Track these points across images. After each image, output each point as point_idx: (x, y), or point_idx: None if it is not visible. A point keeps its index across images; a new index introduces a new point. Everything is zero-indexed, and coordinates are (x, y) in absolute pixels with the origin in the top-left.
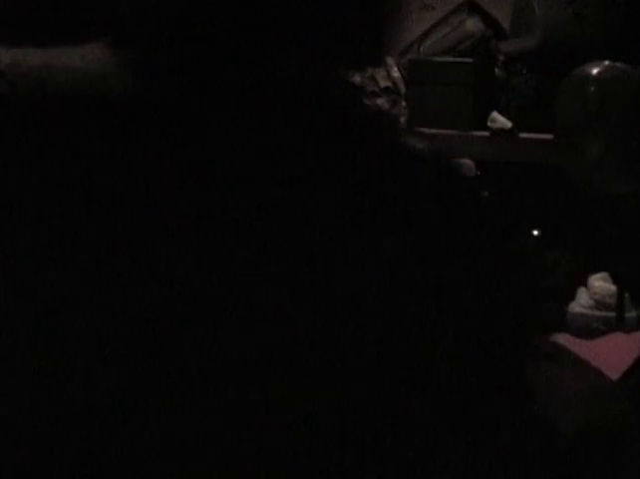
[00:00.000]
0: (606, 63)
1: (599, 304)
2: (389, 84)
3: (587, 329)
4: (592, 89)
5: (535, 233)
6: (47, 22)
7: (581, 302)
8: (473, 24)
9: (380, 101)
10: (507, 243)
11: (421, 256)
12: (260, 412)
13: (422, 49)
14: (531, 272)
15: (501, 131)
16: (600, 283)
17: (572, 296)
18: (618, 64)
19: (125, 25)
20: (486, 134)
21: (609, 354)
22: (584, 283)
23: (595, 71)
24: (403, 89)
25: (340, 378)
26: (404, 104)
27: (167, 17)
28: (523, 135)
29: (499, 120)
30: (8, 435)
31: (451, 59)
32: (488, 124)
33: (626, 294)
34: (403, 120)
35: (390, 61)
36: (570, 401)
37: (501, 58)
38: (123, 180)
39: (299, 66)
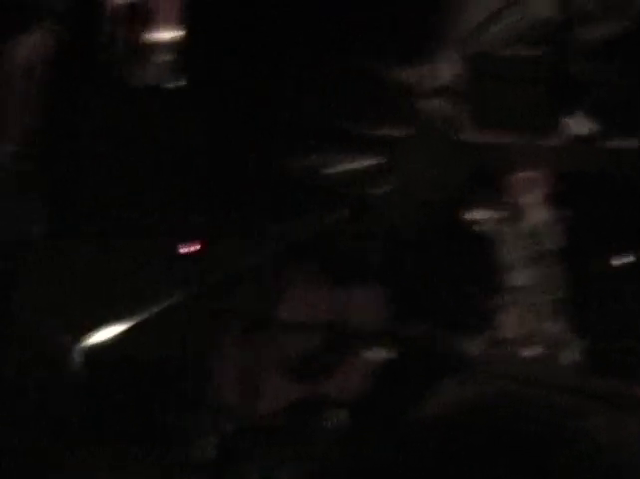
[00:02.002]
0: None
1: None
2: (446, 82)
3: None
4: None
5: (631, 259)
6: None
7: None
8: (547, 5)
9: (437, 101)
10: None
11: None
12: None
13: (485, 38)
14: (624, 306)
15: (581, 137)
16: None
17: None
18: None
19: None
20: (563, 141)
21: None
22: None
23: None
24: (462, 87)
25: None
26: (465, 105)
27: None
28: (610, 142)
29: (579, 125)
30: None
31: (520, 50)
32: (567, 129)
33: None
34: (463, 124)
35: (448, 54)
36: None
37: (584, 47)
38: None
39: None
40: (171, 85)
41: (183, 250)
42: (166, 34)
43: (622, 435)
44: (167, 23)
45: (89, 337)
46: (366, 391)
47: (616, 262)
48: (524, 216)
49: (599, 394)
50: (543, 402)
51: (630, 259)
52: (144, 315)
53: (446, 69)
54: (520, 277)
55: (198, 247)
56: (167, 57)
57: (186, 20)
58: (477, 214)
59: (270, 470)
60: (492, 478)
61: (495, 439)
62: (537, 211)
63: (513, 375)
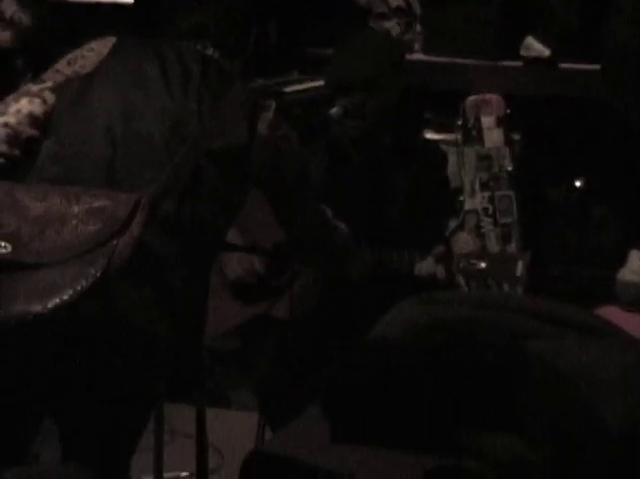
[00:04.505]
0: None
1: None
2: (401, 3)
3: None
4: None
5: (578, 183)
6: None
7: (634, 269)
8: None
9: (390, 24)
10: None
11: None
12: None
13: None
14: (573, 232)
15: (537, 60)
16: None
17: (623, 261)
18: None
19: None
20: (519, 63)
21: None
22: (638, 246)
23: None
24: (418, 9)
25: None
26: (419, 27)
27: None
28: (564, 65)
29: (535, 46)
30: None
31: None
32: (522, 52)
33: None
34: (417, 47)
35: None
36: (617, 386)
37: None
38: None
39: None
40: None
41: None
42: None
43: (583, 360)
44: None
45: None
46: (316, 311)
47: (570, 186)
48: (479, 138)
49: (555, 318)
50: (499, 325)
51: (583, 183)
52: None
53: None
54: (473, 200)
55: None
56: None
57: None
58: (429, 135)
59: (221, 391)
60: (449, 403)
61: (453, 363)
62: (492, 133)
63: (467, 298)
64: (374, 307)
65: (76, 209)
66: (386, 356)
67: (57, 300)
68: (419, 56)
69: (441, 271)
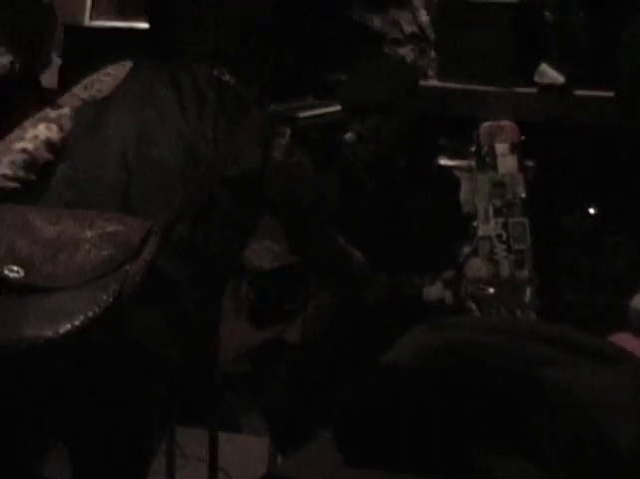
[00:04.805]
0: None
1: None
2: (415, 29)
3: None
4: None
5: (592, 211)
6: None
7: None
8: None
9: (404, 50)
10: None
11: None
12: None
13: None
14: (587, 259)
15: (552, 87)
16: None
17: (636, 288)
18: None
19: None
20: (534, 90)
21: None
22: None
23: None
24: (432, 35)
25: None
26: (433, 54)
27: None
28: (579, 91)
29: (549, 73)
30: None
31: None
32: (536, 78)
33: None
34: (432, 73)
35: (416, 1)
36: (629, 409)
37: None
38: None
39: None
40: None
41: None
42: None
43: (597, 385)
44: None
45: None
46: (329, 335)
47: (584, 214)
48: (492, 165)
49: (569, 344)
50: (511, 350)
51: (597, 211)
52: None
53: (416, 16)
54: (486, 227)
55: None
56: None
57: None
58: (443, 161)
59: (232, 415)
60: (462, 426)
61: (464, 384)
62: (506, 160)
63: (479, 323)
64: (386, 330)
65: (89, 233)
66: (397, 378)
67: (68, 326)
68: (433, 82)
69: (449, 297)
